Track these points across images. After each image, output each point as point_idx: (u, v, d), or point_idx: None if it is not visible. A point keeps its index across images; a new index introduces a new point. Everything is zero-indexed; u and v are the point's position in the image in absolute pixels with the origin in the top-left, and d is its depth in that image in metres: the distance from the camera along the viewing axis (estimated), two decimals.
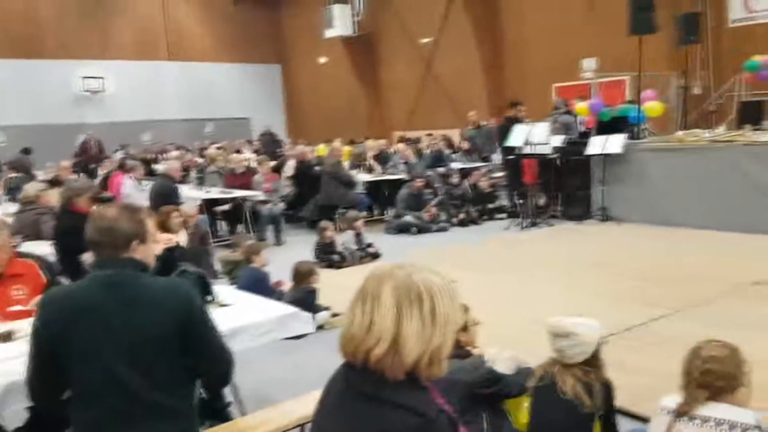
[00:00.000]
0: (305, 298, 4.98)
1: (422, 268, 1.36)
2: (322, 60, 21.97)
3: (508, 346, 3.36)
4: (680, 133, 9.77)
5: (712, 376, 2.17)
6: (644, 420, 2.97)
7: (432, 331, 1.29)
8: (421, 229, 9.45)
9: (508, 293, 5.85)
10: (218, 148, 14.07)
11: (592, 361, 2.65)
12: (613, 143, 9.07)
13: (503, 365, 3.00)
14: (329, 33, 19.38)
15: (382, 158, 11.76)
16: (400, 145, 12.88)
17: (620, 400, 2.89)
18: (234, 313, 3.31)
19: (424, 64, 18.69)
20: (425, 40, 18.48)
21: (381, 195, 11.12)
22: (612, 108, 10.34)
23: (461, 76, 17.31)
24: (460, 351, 3.02)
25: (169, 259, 3.51)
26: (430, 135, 15.05)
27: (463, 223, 9.88)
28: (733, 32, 12.28)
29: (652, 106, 10.14)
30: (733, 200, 7.89)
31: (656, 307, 5.17)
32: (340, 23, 19.11)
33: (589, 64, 13.26)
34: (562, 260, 7.11)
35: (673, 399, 2.27)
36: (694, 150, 8.51)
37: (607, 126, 9.79)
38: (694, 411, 2.17)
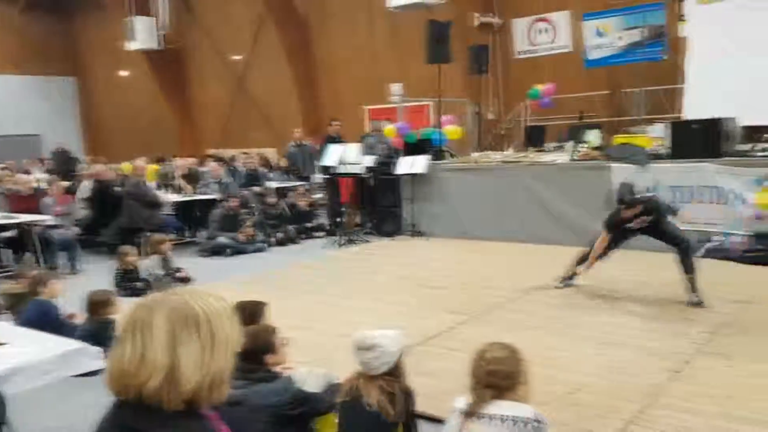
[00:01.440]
0: (101, 331, 4.55)
1: (199, 292, 1.30)
2: (123, 73, 20.63)
3: (320, 364, 3.39)
4: (475, 154, 10.69)
5: (496, 376, 2.36)
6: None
7: (212, 355, 1.23)
8: (237, 251, 9.20)
9: (322, 311, 5.89)
10: (2, 168, 12.53)
11: (395, 371, 2.75)
12: (419, 164, 9.65)
13: (313, 384, 3.01)
14: (131, 46, 18.26)
15: (193, 177, 11.29)
16: (212, 164, 12.46)
17: (424, 405, 3.04)
18: (10, 351, 2.94)
19: (236, 82, 18.36)
20: (236, 58, 18.19)
21: (192, 216, 10.66)
22: (417, 131, 11.01)
23: (275, 95, 17.27)
24: (268, 374, 2.96)
25: None
26: (245, 153, 14.77)
27: (281, 243, 9.80)
28: (519, 63, 13.68)
29: (451, 130, 10.96)
30: (521, 214, 8.75)
31: (457, 314, 5.55)
32: (144, 36, 18.08)
33: (396, 88, 13.97)
34: (374, 275, 7.36)
35: (464, 400, 2.43)
36: (488, 170, 9.34)
37: (413, 147, 10.39)
38: (482, 410, 2.34)
